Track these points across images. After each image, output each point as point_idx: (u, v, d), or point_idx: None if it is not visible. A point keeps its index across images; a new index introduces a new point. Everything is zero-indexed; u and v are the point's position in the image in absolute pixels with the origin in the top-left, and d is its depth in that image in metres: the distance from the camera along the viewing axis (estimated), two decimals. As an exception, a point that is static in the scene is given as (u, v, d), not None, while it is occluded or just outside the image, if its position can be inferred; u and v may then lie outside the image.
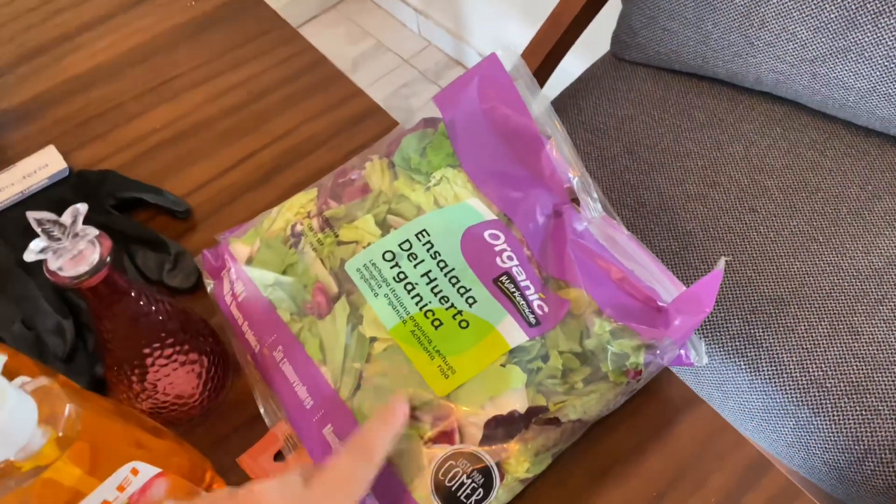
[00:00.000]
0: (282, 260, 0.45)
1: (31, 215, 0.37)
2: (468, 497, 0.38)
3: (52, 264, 0.38)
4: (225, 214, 0.59)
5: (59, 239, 0.37)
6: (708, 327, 0.78)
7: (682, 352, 0.43)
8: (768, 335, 0.76)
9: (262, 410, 0.45)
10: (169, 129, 0.65)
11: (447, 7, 1.77)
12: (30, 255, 0.37)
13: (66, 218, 0.37)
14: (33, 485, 0.33)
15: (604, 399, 0.41)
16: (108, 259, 0.39)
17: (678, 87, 0.95)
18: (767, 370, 0.75)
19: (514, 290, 0.42)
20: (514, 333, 0.41)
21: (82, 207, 0.38)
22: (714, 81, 0.94)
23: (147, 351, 0.44)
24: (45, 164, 0.62)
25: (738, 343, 0.77)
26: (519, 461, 0.39)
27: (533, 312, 0.42)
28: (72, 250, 0.38)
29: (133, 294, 0.42)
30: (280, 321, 0.43)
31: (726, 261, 0.42)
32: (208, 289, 0.48)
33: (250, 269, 0.45)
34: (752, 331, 0.77)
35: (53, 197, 0.60)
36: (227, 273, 0.46)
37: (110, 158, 0.64)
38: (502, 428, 0.39)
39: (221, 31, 0.72)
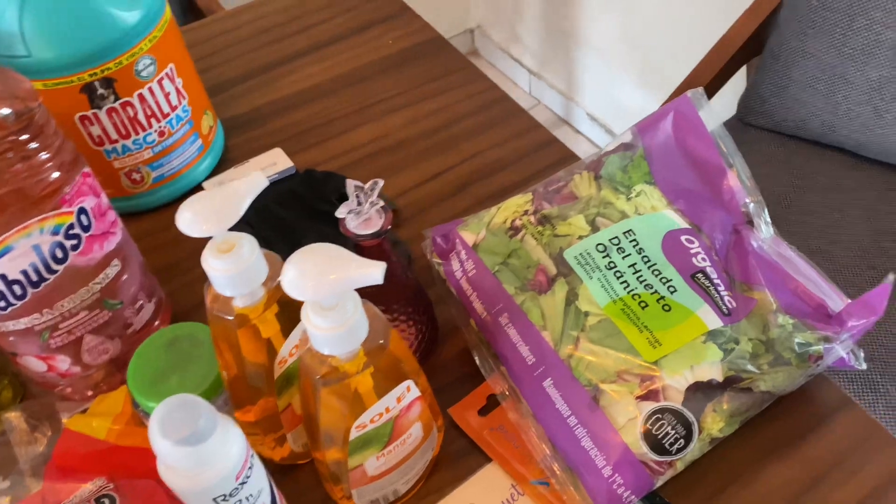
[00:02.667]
0: (506, 246, 0.54)
1: (350, 182, 0.47)
2: (671, 445, 0.46)
3: (350, 223, 0.48)
4: (426, 216, 0.69)
5: (361, 204, 0.48)
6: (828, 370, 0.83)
7: (846, 355, 0.51)
8: (885, 381, 0.82)
9: (479, 366, 0.53)
10: (375, 144, 0.77)
11: (561, 69, 1.89)
12: (340, 213, 0.47)
13: (368, 187, 0.48)
14: (342, 385, 0.43)
15: (790, 377, 0.48)
16: (389, 228, 0.49)
17: (802, 153, 1.03)
18: (884, 415, 0.81)
19: (709, 284, 0.50)
20: (711, 319, 0.49)
21: (380, 182, 0.48)
22: (837, 150, 1.02)
23: (395, 307, 0.53)
24: (275, 162, 0.74)
25: (856, 387, 0.83)
26: (715, 420, 0.46)
27: (725, 305, 0.50)
28: (366, 214, 0.48)
29: (394, 260, 0.52)
30: (506, 293, 0.52)
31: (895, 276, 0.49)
32: (436, 267, 0.57)
33: (479, 252, 0.55)
34: (871, 377, 0.82)
35: (284, 189, 0.71)
36: (457, 254, 0.56)
37: (325, 164, 0.75)
38: (702, 392, 0.46)
39: (416, 67, 0.84)
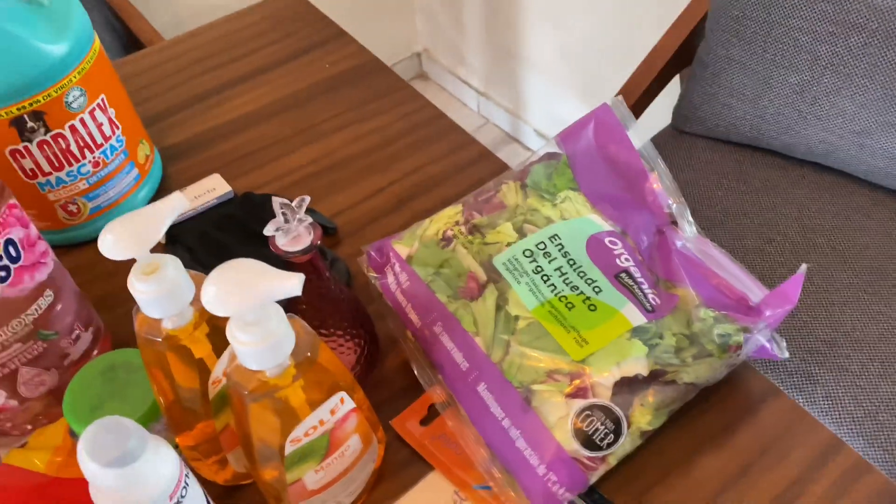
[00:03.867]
0: (438, 256, 0.55)
1: (276, 199, 0.48)
2: (601, 440, 0.47)
3: (279, 241, 0.49)
4: (365, 233, 0.70)
5: (289, 221, 0.48)
6: (769, 364, 0.86)
7: (768, 345, 0.53)
8: (823, 373, 0.84)
9: (418, 377, 0.54)
10: (314, 165, 0.78)
11: (506, 88, 1.93)
12: (268, 231, 0.48)
13: (295, 204, 0.48)
14: (273, 399, 0.43)
15: (712, 368, 0.50)
16: (318, 243, 0.49)
17: (734, 157, 1.06)
18: (823, 404, 0.83)
19: (632, 283, 0.52)
20: (635, 316, 0.50)
21: (307, 198, 0.49)
22: (767, 152, 1.05)
23: (330, 322, 0.54)
24: (213, 188, 0.74)
25: (795, 379, 0.85)
26: (642, 414, 0.48)
27: (649, 302, 0.51)
28: (294, 231, 0.49)
29: (327, 276, 0.53)
30: (439, 302, 0.53)
31: (808, 267, 0.51)
32: (372, 281, 0.58)
33: (413, 264, 0.56)
34: (809, 368, 0.85)
35: (223, 213, 0.71)
36: (391, 267, 0.57)
37: (265, 186, 0.76)
38: (628, 387, 0.48)
39: (354, 88, 0.86)
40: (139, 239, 0.41)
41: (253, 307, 0.37)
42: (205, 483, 0.53)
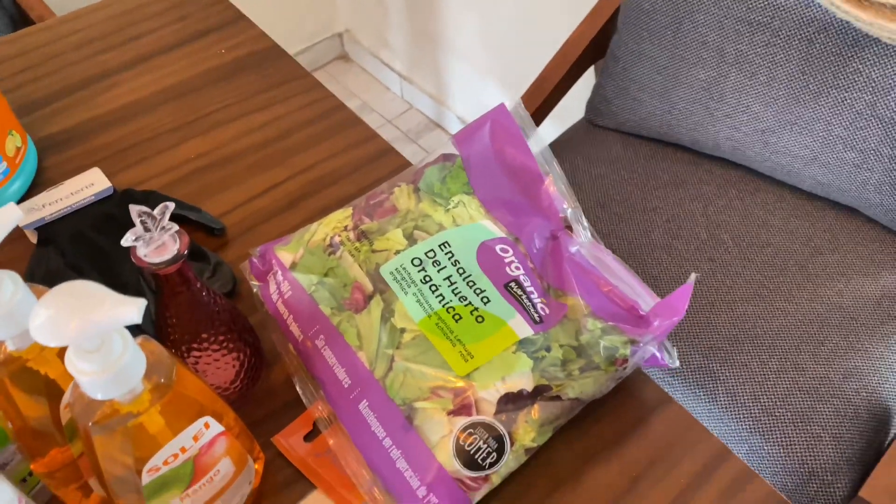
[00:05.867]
0: (323, 264, 0.53)
1: (134, 208, 0.44)
2: (483, 460, 0.45)
3: (140, 251, 0.45)
4: (256, 234, 0.67)
5: (150, 230, 0.45)
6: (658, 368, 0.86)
7: (659, 354, 0.52)
8: (724, 370, 0.85)
9: (300, 393, 0.51)
10: (202, 159, 0.73)
11: (430, 73, 1.89)
12: (127, 242, 0.44)
13: (157, 212, 0.45)
14: (126, 428, 0.40)
15: (597, 382, 0.49)
16: (185, 252, 0.46)
17: (645, 151, 1.06)
18: (724, 401, 0.84)
19: (521, 293, 0.50)
20: (522, 328, 0.49)
21: (171, 205, 0.45)
22: (677, 147, 1.06)
23: (204, 335, 0.50)
24: (91, 184, 0.69)
25: (697, 376, 0.86)
26: (526, 431, 0.46)
27: (537, 312, 0.50)
28: (157, 241, 0.45)
29: (198, 286, 0.49)
30: (322, 315, 0.51)
31: (696, 277, 0.50)
32: (254, 290, 0.55)
33: (296, 271, 0.53)
34: (711, 365, 0.86)
35: (101, 212, 0.66)
36: (274, 275, 0.54)
37: (149, 182, 0.71)
38: (512, 403, 0.46)
39: (250, 76, 0.81)
40: (-36, 256, 0.36)
41: (86, 338, 0.34)
42: (66, 510, 0.50)
